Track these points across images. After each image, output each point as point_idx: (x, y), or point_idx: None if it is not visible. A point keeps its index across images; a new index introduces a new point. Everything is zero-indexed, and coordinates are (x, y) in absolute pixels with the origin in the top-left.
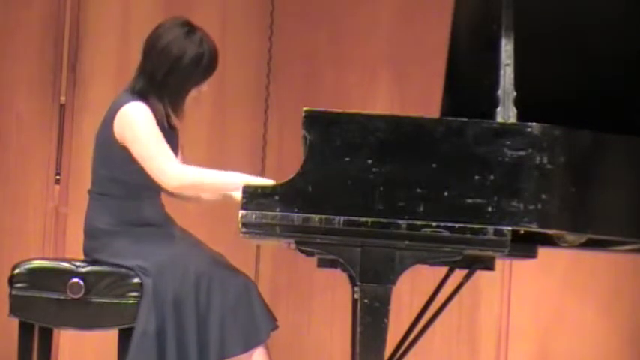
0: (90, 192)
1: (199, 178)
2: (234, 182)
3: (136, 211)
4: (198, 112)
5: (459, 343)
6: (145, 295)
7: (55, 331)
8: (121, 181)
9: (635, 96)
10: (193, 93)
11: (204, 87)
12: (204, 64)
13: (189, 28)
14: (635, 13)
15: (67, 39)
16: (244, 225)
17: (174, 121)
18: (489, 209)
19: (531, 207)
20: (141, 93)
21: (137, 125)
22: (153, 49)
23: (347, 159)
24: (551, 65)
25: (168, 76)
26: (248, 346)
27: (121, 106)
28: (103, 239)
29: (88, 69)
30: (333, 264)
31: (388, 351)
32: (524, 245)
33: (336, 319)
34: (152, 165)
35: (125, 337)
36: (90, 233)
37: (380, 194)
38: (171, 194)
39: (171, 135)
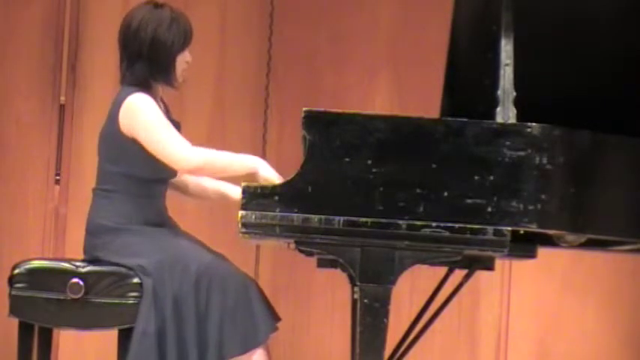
0: (95, 189)
1: (211, 158)
2: (245, 163)
3: (141, 209)
4: (198, 112)
5: (459, 343)
6: (145, 296)
7: (55, 331)
8: (130, 175)
9: (634, 96)
10: (182, 64)
11: (188, 57)
12: (182, 29)
13: (155, 4)
14: (635, 13)
15: (67, 39)
16: (244, 225)
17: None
18: (489, 209)
19: (531, 207)
20: (139, 81)
21: (144, 113)
22: (129, 34)
23: (347, 159)
24: (551, 65)
25: (153, 47)
26: (246, 348)
27: (124, 98)
28: (105, 237)
29: (88, 69)
30: (332, 264)
31: (388, 351)
32: (524, 245)
33: (336, 319)
34: (164, 148)
35: (125, 337)
36: (92, 230)
37: (380, 194)
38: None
39: (175, 126)
